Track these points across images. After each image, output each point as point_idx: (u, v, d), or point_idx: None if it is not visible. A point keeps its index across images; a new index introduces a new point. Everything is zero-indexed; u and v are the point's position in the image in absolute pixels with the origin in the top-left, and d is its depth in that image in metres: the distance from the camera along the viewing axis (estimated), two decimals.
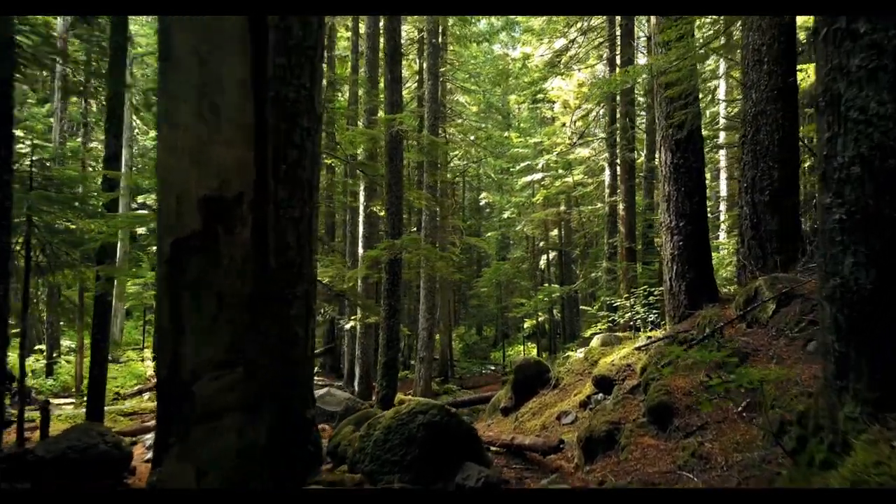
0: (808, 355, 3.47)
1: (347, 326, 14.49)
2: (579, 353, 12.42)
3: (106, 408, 11.19)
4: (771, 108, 7.31)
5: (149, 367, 17.13)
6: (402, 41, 23.17)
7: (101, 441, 6.60)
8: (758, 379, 2.49)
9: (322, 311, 18.29)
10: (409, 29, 22.43)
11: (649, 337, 5.73)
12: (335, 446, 4.77)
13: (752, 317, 4.56)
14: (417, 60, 21.93)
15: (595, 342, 8.71)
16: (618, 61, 16.31)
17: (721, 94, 16.18)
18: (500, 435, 4.86)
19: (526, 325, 29.81)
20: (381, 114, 10.81)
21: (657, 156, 6.25)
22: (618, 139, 16.13)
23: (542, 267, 28.86)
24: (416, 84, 22.24)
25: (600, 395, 5.21)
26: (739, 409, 3.36)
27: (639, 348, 5.51)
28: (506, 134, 26.92)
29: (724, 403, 3.48)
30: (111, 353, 17.15)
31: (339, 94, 21.67)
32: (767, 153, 7.26)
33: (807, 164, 12.24)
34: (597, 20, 16.61)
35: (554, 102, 20.09)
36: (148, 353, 19.06)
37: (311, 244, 3.75)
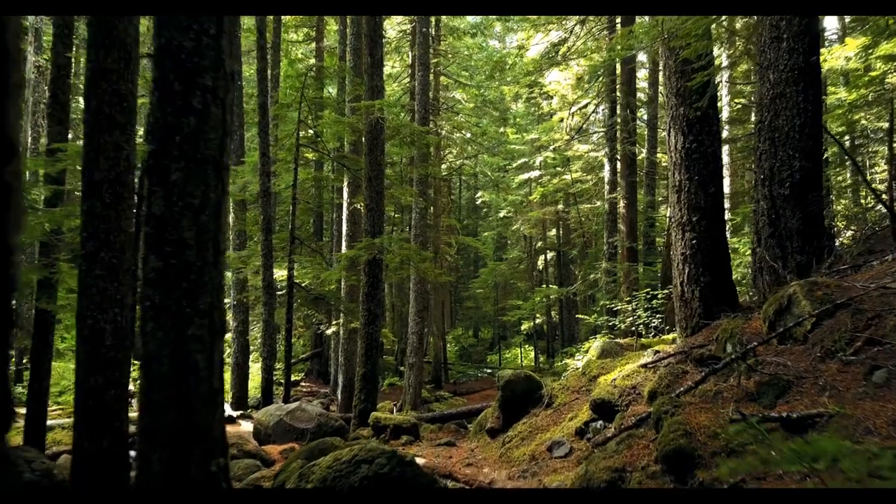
0: (877, 388, 2.62)
1: (329, 332, 13.63)
2: (577, 362, 11.58)
3: (57, 422, 10.32)
4: (791, 90, 6.50)
5: None
6: (396, 33, 22.42)
7: (26, 469, 5.77)
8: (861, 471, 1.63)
9: (306, 315, 17.45)
10: (402, 20, 21.63)
11: (657, 351, 4.89)
12: (280, 486, 3.91)
13: (786, 331, 3.71)
14: (410, 53, 21.11)
15: (593, 352, 7.88)
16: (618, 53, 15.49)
17: (724, 89, 15.32)
18: (476, 474, 4.02)
19: (523, 328, 29.02)
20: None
21: (666, 140, 5.42)
22: (618, 133, 15.30)
23: (540, 267, 28.04)
24: (409, 78, 21.41)
25: (600, 422, 4.36)
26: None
27: (645, 366, 4.66)
28: (502, 130, 26.10)
29: (764, 451, 2.62)
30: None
31: (330, 88, 20.86)
32: (787, 141, 6.46)
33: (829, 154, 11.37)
34: None
35: (552, 97, 19.26)
36: None
37: (218, 241, 2.87)
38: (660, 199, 19.96)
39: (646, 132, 17.35)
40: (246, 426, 11.13)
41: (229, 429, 13.04)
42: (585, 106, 16.89)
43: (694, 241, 4.94)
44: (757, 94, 7.20)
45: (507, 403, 6.28)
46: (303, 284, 11.71)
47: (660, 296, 10.79)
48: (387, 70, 23.92)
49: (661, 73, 6.25)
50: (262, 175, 10.47)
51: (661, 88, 18.82)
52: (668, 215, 14.17)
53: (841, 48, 9.77)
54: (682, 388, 3.42)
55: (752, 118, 17.72)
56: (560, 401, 5.84)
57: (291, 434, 8.14)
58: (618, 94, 15.59)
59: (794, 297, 3.79)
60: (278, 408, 8.41)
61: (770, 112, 6.66)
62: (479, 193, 32.19)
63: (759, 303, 5.01)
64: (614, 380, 4.83)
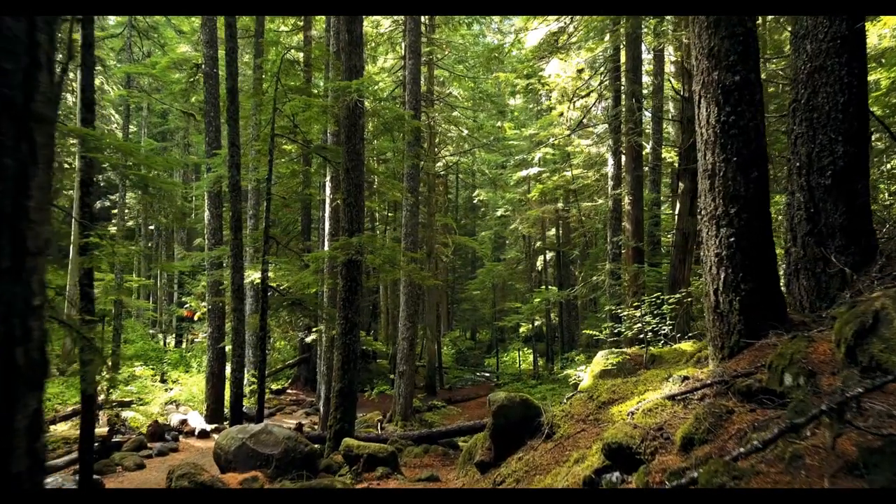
0: None
1: (308, 340, 12.61)
2: (580, 373, 10.55)
3: None
4: (833, 62, 5.50)
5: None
6: (389, 24, 21.37)
7: None
8: None
9: (295, 319, 16.43)
10: None
11: (685, 378, 3.89)
12: None
13: (874, 361, 2.71)
14: (403, 44, 20.10)
15: (597, 364, 6.88)
16: (622, 38, 14.52)
17: None
18: None
19: (522, 330, 28.04)
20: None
21: (696, 112, 4.42)
22: (622, 125, 14.29)
23: (539, 268, 27.03)
24: (402, 70, 20.40)
25: (615, 473, 3.37)
26: None
27: (672, 397, 3.66)
28: (499, 125, 25.07)
29: None
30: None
31: (320, 82, 19.85)
32: (828, 122, 5.48)
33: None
34: None
35: (552, 90, 18.25)
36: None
37: (22, 235, 1.84)
38: (663, 198, 18.98)
39: (650, 126, 16.38)
40: None
41: (199, 444, 12.01)
42: (587, 96, 15.87)
43: (732, 239, 3.95)
44: (791, 66, 6.21)
45: (500, 432, 5.28)
46: (281, 287, 10.71)
47: (670, 300, 9.79)
48: (380, 63, 22.89)
49: (689, 26, 5.27)
50: (231, 167, 9.46)
51: (665, 82, 17.83)
52: (676, 212, 13.17)
53: (873, 25, 8.80)
54: (740, 448, 2.40)
55: (769, 106, 16.72)
56: (562, 432, 4.84)
57: (255, 460, 7.14)
58: (622, 81, 14.58)
59: (884, 313, 2.79)
60: (241, 430, 7.40)
61: (807, 89, 5.67)
62: (477, 192, 31.15)
63: (816, 317, 4.01)
64: (632, 413, 3.83)
